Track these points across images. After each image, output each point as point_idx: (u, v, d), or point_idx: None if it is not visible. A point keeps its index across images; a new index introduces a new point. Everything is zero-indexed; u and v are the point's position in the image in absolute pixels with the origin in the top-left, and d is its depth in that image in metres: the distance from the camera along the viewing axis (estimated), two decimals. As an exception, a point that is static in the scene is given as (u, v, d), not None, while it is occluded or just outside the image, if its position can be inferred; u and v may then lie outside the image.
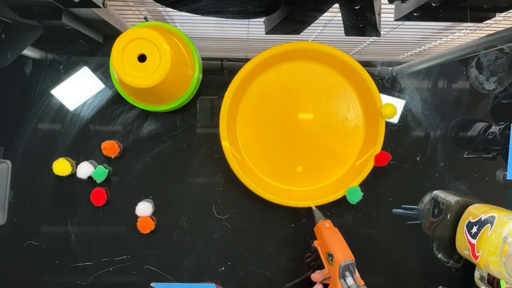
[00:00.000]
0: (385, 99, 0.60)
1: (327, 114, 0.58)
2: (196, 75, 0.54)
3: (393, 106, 0.54)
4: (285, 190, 0.58)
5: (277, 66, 0.57)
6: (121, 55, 0.47)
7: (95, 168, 0.56)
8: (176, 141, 0.59)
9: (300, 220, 0.59)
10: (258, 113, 0.58)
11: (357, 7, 0.60)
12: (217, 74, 0.58)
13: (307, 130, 0.58)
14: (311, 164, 0.58)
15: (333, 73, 0.57)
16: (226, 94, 0.54)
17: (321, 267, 0.53)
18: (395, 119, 0.60)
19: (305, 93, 0.58)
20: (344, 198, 0.56)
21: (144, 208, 0.56)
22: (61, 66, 0.58)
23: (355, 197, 0.55)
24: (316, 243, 0.54)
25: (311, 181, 0.59)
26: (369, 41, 0.62)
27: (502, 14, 0.62)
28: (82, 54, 0.58)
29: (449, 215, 0.56)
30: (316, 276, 0.52)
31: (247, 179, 0.55)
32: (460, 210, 0.55)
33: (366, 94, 0.56)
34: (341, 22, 0.60)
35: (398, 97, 0.61)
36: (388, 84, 0.61)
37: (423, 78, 0.61)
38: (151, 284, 0.58)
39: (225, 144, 0.55)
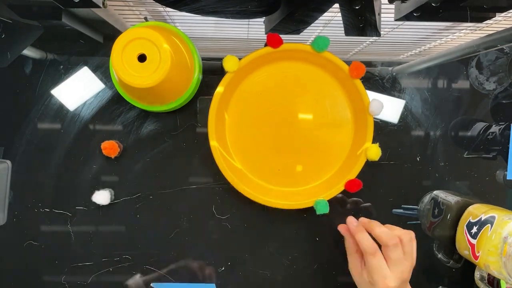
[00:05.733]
0: (385, 99, 0.60)
1: (317, 114, 0.58)
2: (196, 75, 0.54)
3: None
4: (282, 192, 0.58)
5: (268, 66, 0.57)
6: (121, 55, 0.47)
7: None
8: (176, 141, 0.59)
9: (301, 220, 0.59)
10: (248, 113, 0.58)
11: (357, 7, 0.60)
12: (217, 74, 0.58)
13: (297, 130, 0.58)
14: (303, 164, 0.58)
15: (322, 74, 0.57)
16: (216, 93, 0.55)
17: None
18: (395, 119, 0.60)
19: (295, 93, 0.58)
20: (343, 198, 0.56)
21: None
22: (61, 66, 0.58)
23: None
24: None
25: (302, 182, 0.58)
26: (369, 41, 0.62)
27: (502, 14, 0.62)
28: (82, 54, 0.58)
29: (449, 215, 0.56)
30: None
31: (235, 178, 0.55)
32: (460, 210, 0.55)
33: (353, 92, 0.56)
34: (341, 22, 0.60)
35: (398, 97, 0.61)
36: (388, 84, 0.61)
37: (423, 78, 0.61)
38: (151, 284, 0.58)
39: (213, 143, 0.55)
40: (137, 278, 0.57)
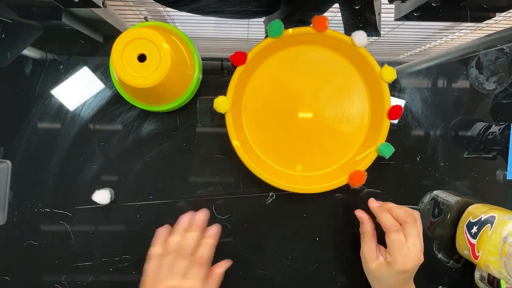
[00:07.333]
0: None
1: (333, 103, 0.58)
2: (196, 75, 0.54)
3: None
4: (299, 177, 0.58)
5: (283, 51, 0.57)
6: (121, 55, 0.47)
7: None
8: (176, 141, 0.59)
9: (301, 220, 0.59)
10: (263, 102, 0.57)
11: (357, 7, 0.60)
12: (217, 74, 0.58)
13: (312, 118, 0.58)
14: (317, 151, 0.58)
15: (343, 61, 0.57)
16: (230, 84, 0.54)
17: None
18: (395, 119, 0.60)
19: (312, 81, 0.57)
20: (343, 198, 0.56)
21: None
22: (61, 66, 0.58)
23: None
24: None
25: (317, 167, 0.58)
26: (369, 41, 0.62)
27: (502, 14, 0.62)
28: (82, 54, 0.58)
29: (449, 215, 0.56)
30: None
31: (263, 173, 0.55)
32: (460, 210, 0.55)
33: (375, 88, 0.56)
34: (341, 22, 0.60)
35: (398, 97, 0.61)
36: (388, 84, 0.60)
37: (423, 78, 0.61)
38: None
39: (235, 143, 0.54)
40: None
